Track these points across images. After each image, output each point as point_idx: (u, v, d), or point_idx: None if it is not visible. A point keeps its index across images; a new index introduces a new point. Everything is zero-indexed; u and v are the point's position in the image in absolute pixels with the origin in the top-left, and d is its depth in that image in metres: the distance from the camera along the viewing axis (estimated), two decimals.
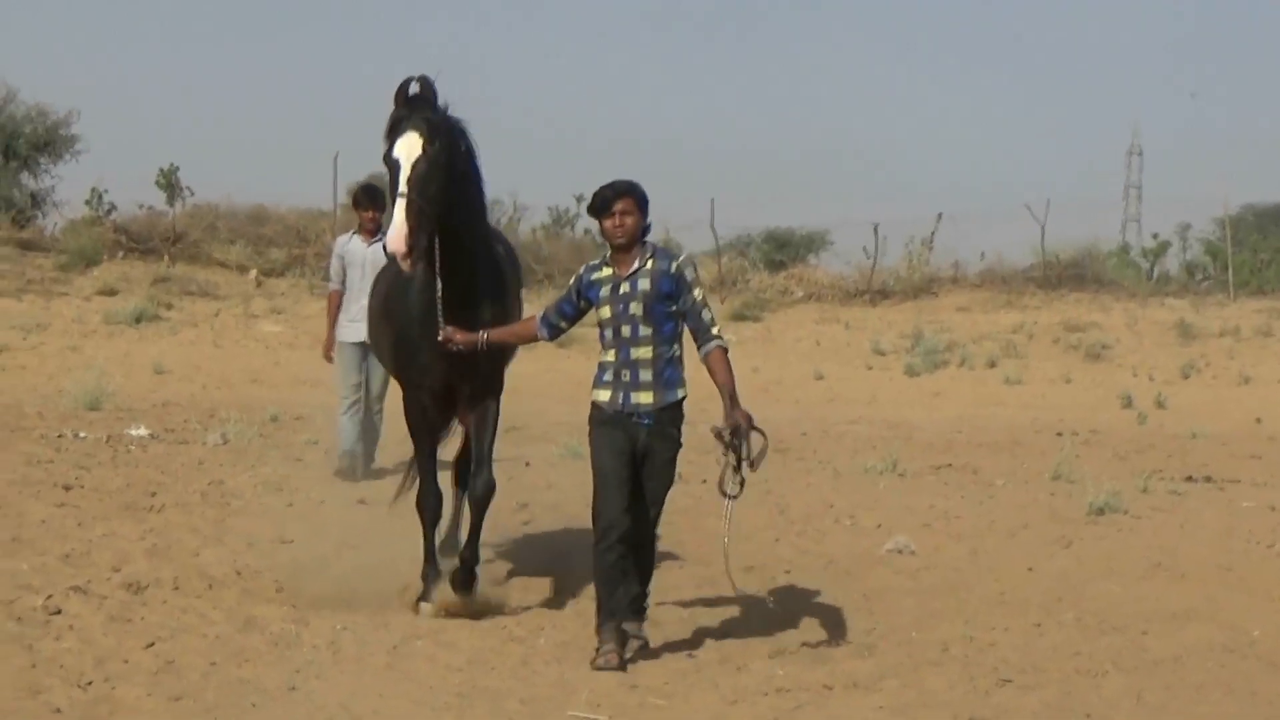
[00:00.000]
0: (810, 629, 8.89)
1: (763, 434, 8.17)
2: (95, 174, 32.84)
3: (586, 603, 8.81)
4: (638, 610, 8.35)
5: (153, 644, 7.87)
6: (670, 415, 8.20)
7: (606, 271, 8.23)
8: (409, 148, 8.49)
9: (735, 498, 8.16)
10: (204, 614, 8.53)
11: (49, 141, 32.14)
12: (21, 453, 13.34)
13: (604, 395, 8.19)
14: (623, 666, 7.92)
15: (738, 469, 8.09)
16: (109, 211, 30.88)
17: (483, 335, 8.45)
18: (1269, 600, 9.84)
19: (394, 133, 8.62)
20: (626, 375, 8.11)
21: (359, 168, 31.74)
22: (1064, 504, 13.03)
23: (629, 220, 8.10)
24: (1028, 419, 19.86)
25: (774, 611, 9.32)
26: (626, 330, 8.10)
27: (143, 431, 15.15)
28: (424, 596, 9.22)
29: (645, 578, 8.49)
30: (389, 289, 9.51)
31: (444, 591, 9.24)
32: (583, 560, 9.28)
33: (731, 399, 8.03)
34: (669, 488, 8.42)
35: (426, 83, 8.72)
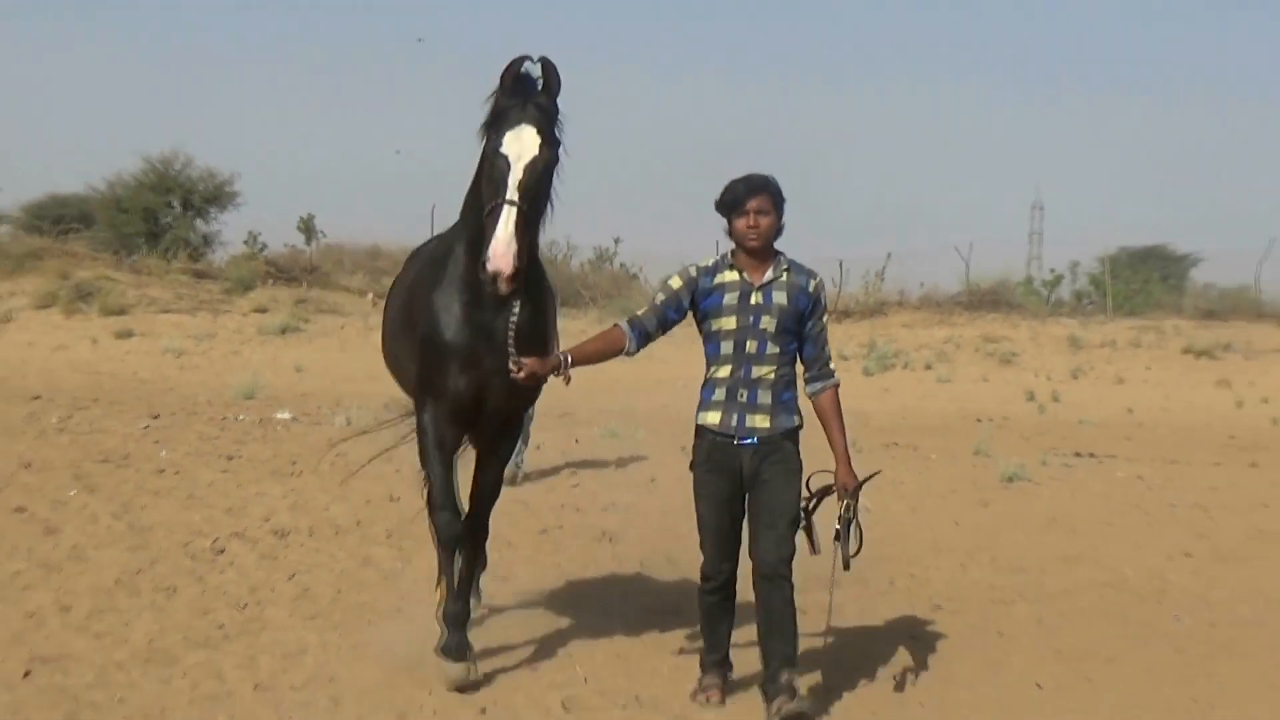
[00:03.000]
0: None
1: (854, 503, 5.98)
2: (251, 220, 33.13)
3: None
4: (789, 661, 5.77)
5: (293, 576, 7.91)
6: (782, 437, 5.78)
7: (732, 276, 5.73)
8: (523, 145, 5.54)
9: (847, 568, 6.06)
10: (332, 554, 8.56)
11: (217, 196, 32.23)
12: (195, 431, 13.39)
13: (714, 417, 5.75)
14: (723, 702, 5.97)
15: (846, 537, 5.96)
16: (262, 249, 30.96)
17: (565, 357, 5.65)
18: (1137, 548, 9.83)
19: (502, 123, 5.60)
20: (744, 395, 5.70)
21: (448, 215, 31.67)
22: (982, 474, 13.00)
23: (764, 221, 5.65)
24: (955, 409, 19.80)
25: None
26: (752, 345, 5.67)
27: (286, 415, 15.20)
28: (445, 648, 6.20)
29: (777, 649, 5.76)
30: (415, 296, 6.42)
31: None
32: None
33: (846, 455, 5.89)
34: (793, 510, 5.77)
35: (548, 66, 5.66)
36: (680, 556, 8.90)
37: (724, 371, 5.74)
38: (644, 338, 5.79)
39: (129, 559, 7.98)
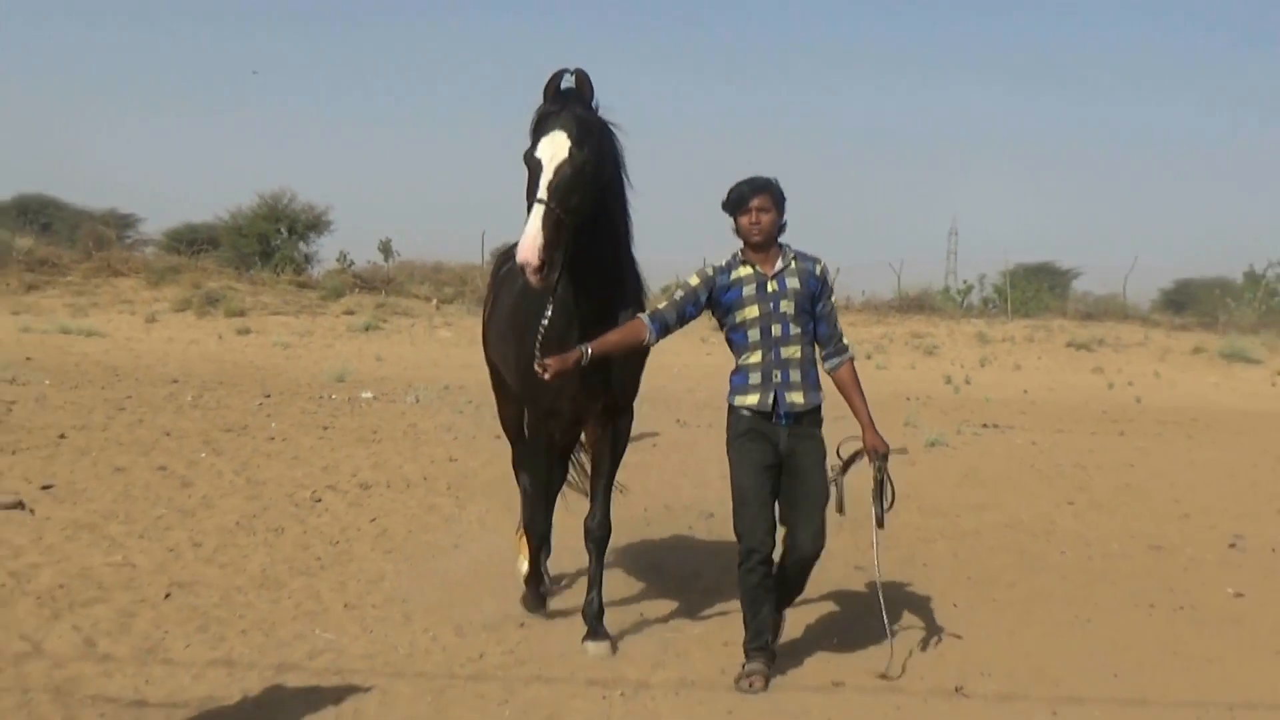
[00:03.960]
0: None
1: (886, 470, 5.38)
2: (342, 242, 33.25)
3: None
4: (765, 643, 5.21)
5: (374, 519, 7.90)
6: (812, 417, 5.16)
7: (746, 270, 5.12)
8: (554, 148, 4.86)
9: (881, 525, 5.42)
10: (404, 502, 8.55)
11: (315, 224, 32.20)
12: (298, 407, 13.39)
13: (751, 398, 5.05)
14: (766, 688, 5.07)
15: (880, 496, 5.36)
16: (350, 265, 30.93)
17: (585, 350, 4.91)
18: (1031, 497, 9.80)
19: (539, 129, 4.97)
20: (778, 375, 5.05)
21: (496, 238, 31.75)
22: (911, 439, 12.94)
23: (765, 217, 5.06)
24: (890, 390, 19.69)
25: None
26: (777, 329, 5.06)
27: (369, 395, 15.18)
28: (528, 603, 5.99)
29: (784, 602, 5.41)
30: (515, 306, 5.64)
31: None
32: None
33: (871, 421, 5.27)
34: (826, 498, 5.19)
35: (582, 77, 5.04)
36: (675, 504, 8.92)
37: (755, 356, 5.07)
38: (663, 329, 5.14)
39: (246, 506, 7.97)
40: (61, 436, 9.98)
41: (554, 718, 4.64)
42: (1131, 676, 5.40)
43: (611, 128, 5.15)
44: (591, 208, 4.96)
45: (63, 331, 21.35)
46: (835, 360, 5.26)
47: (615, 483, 5.87)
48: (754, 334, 5.08)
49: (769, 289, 5.08)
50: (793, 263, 5.15)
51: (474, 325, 25.22)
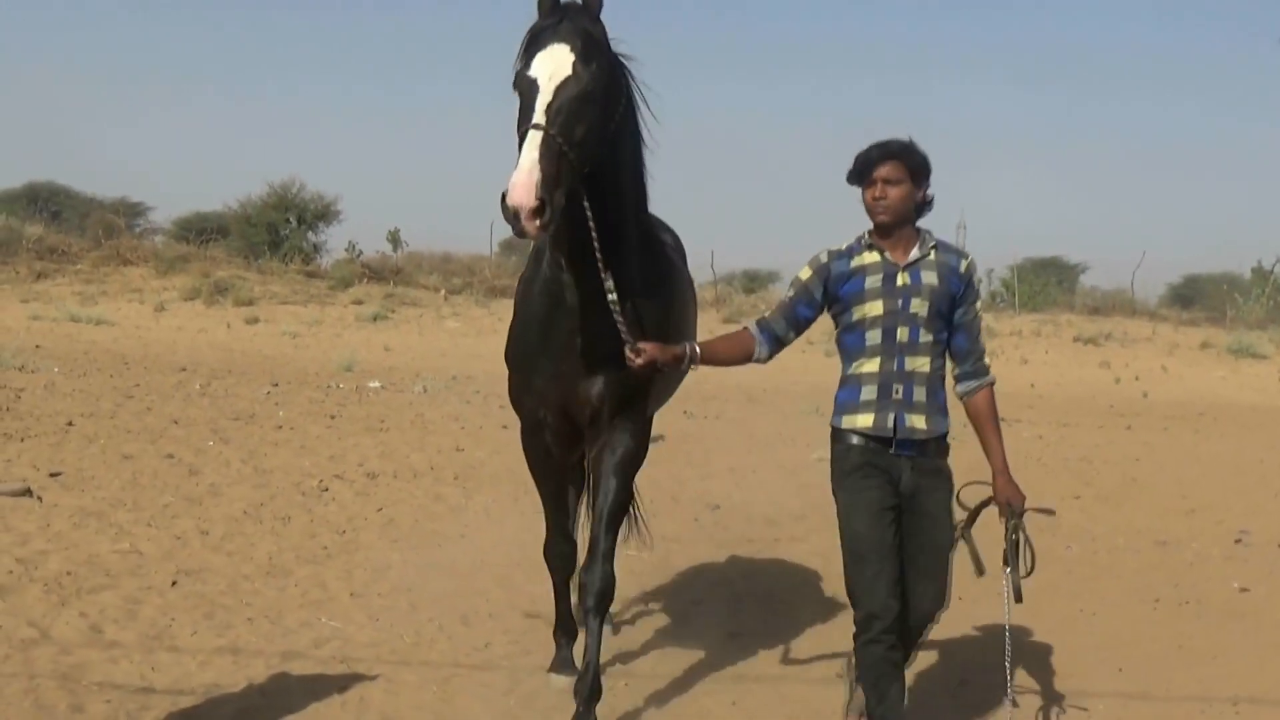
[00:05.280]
0: (768, 506, 8.84)
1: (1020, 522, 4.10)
2: (350, 232, 33.34)
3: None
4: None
5: (381, 509, 7.90)
6: (937, 447, 4.09)
7: (871, 257, 4.01)
8: (554, 64, 3.75)
9: (1019, 599, 4.13)
10: (411, 492, 8.55)
11: (324, 214, 32.17)
12: (306, 396, 13.39)
13: (865, 419, 3.96)
14: None
15: (1016, 560, 4.09)
16: (358, 255, 30.86)
17: (694, 349, 3.97)
18: (1037, 491, 9.66)
19: (534, 46, 3.84)
20: (899, 391, 3.96)
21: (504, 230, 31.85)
22: None
23: (894, 191, 3.92)
24: None
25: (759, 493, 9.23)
26: (903, 333, 3.95)
27: (376, 384, 15.18)
28: (555, 667, 4.95)
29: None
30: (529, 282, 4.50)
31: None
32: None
33: (1006, 467, 4.16)
34: (950, 547, 4.12)
35: None
36: (682, 496, 8.91)
37: (872, 365, 3.98)
38: (775, 342, 4.10)
39: (254, 494, 7.98)
40: (70, 424, 10.00)
41: (558, 708, 4.63)
42: (1136, 670, 5.39)
43: (624, 60, 4.04)
44: (598, 150, 3.83)
45: (72, 319, 21.40)
46: (971, 384, 4.14)
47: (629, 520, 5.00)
48: (874, 336, 3.99)
49: (898, 282, 3.98)
50: (932, 253, 4.04)
51: (482, 316, 25.36)
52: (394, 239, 32.26)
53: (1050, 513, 4.60)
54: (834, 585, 6.58)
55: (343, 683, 4.73)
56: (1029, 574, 4.09)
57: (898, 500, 3.99)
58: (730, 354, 4.10)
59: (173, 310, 24.33)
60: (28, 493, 7.35)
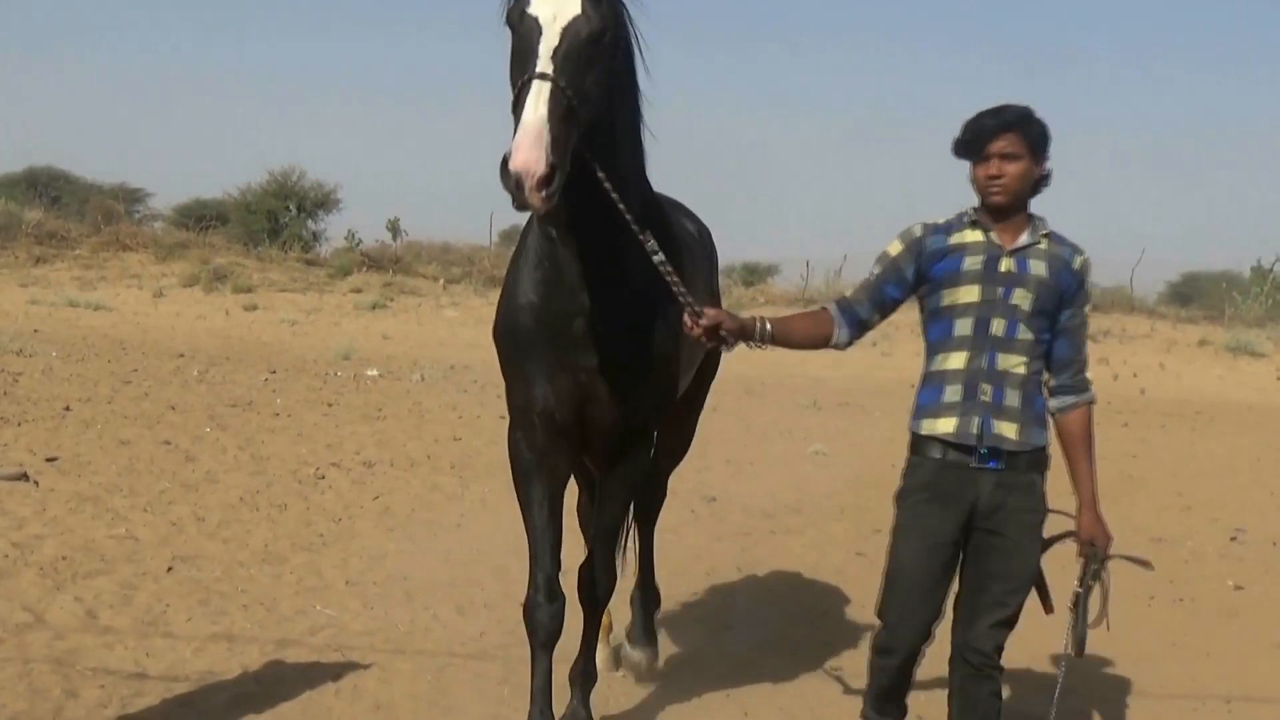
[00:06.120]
0: (764, 498, 8.85)
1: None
2: (350, 221, 33.27)
3: None
4: None
5: (377, 497, 7.90)
6: (1031, 460, 3.49)
7: (973, 235, 3.44)
8: (559, 3, 3.15)
9: (1080, 652, 3.73)
10: (408, 481, 8.55)
11: (323, 202, 32.14)
12: (303, 384, 13.39)
13: (946, 423, 3.41)
14: None
15: (1084, 607, 3.69)
16: (358, 244, 30.83)
17: (764, 325, 3.38)
18: None
19: None
20: (986, 392, 3.38)
21: (501, 220, 31.90)
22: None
23: (1010, 168, 3.35)
24: (895, 377, 19.61)
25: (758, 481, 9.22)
26: (999, 326, 3.38)
27: (374, 372, 15.17)
28: None
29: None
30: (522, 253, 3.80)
31: None
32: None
33: (1094, 500, 3.68)
34: (1031, 581, 3.60)
35: None
36: (678, 488, 8.89)
37: (957, 360, 3.41)
38: (857, 326, 3.54)
39: (250, 482, 7.98)
40: (67, 409, 9.99)
41: (554, 699, 4.63)
42: (1129, 668, 5.39)
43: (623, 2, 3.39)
44: (604, 106, 3.25)
45: (70, 304, 21.38)
46: (1068, 399, 3.53)
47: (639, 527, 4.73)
48: (964, 326, 3.41)
49: (1002, 268, 3.40)
50: (1043, 242, 3.45)
51: (480, 306, 25.34)
52: (393, 228, 32.27)
53: (1145, 564, 4.05)
54: (829, 577, 6.60)
55: (337, 670, 4.73)
56: (1096, 623, 3.65)
57: (965, 529, 3.43)
58: (806, 334, 3.52)
59: (171, 296, 24.31)
60: (24, 477, 7.34)
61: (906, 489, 3.50)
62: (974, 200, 3.48)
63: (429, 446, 9.89)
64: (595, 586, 4.06)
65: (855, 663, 5.21)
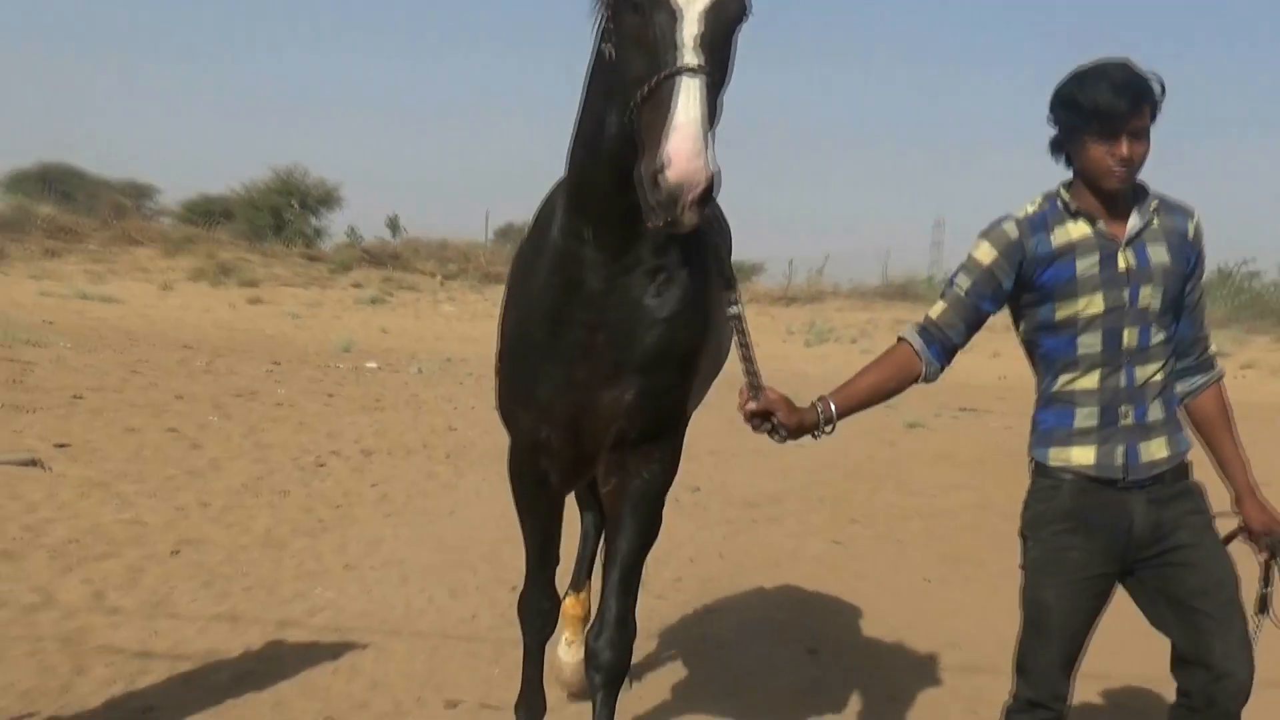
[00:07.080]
0: (746, 488, 8.87)
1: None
2: (351, 217, 33.40)
3: None
4: None
5: (375, 485, 7.91)
6: (1180, 468, 2.81)
7: (1079, 230, 2.71)
8: None
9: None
10: (404, 469, 8.55)
11: (325, 199, 32.13)
12: (304, 376, 13.38)
13: (1083, 454, 2.76)
14: None
15: (1266, 601, 2.87)
16: (358, 240, 30.89)
17: (828, 407, 2.84)
18: (1003, 479, 9.81)
19: None
20: (1129, 415, 2.73)
21: (499, 217, 31.84)
22: (892, 420, 13.00)
23: (1140, 150, 2.61)
24: None
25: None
26: (1131, 336, 2.70)
27: (373, 365, 15.17)
28: None
29: None
30: (510, 278, 3.18)
31: None
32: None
33: (1252, 485, 2.94)
34: (1236, 582, 2.74)
35: None
36: (682, 498, 8.92)
37: (1089, 381, 2.77)
38: (946, 354, 2.92)
39: (253, 469, 7.98)
40: (77, 397, 9.96)
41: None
42: (1099, 654, 5.41)
43: None
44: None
45: (81, 297, 21.30)
46: (1197, 379, 2.94)
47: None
48: (1091, 342, 2.76)
49: (1120, 266, 2.73)
50: (1155, 219, 2.78)
51: (476, 301, 25.34)
52: (393, 225, 32.28)
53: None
54: (808, 564, 6.62)
55: (335, 650, 4.74)
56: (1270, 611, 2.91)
57: (1122, 559, 2.79)
58: (881, 389, 2.89)
59: (178, 290, 24.24)
60: (36, 463, 7.34)
61: (1039, 518, 2.84)
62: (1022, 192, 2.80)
63: (425, 436, 9.90)
64: (611, 651, 3.17)
65: (833, 645, 5.24)
